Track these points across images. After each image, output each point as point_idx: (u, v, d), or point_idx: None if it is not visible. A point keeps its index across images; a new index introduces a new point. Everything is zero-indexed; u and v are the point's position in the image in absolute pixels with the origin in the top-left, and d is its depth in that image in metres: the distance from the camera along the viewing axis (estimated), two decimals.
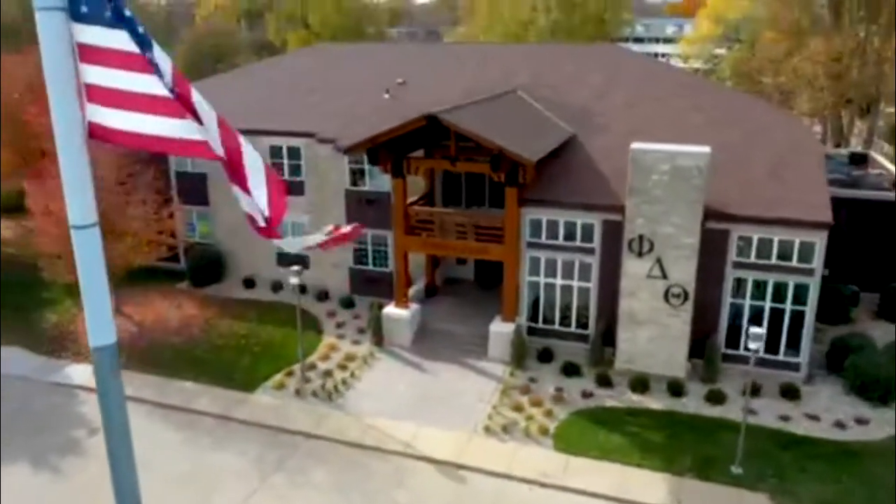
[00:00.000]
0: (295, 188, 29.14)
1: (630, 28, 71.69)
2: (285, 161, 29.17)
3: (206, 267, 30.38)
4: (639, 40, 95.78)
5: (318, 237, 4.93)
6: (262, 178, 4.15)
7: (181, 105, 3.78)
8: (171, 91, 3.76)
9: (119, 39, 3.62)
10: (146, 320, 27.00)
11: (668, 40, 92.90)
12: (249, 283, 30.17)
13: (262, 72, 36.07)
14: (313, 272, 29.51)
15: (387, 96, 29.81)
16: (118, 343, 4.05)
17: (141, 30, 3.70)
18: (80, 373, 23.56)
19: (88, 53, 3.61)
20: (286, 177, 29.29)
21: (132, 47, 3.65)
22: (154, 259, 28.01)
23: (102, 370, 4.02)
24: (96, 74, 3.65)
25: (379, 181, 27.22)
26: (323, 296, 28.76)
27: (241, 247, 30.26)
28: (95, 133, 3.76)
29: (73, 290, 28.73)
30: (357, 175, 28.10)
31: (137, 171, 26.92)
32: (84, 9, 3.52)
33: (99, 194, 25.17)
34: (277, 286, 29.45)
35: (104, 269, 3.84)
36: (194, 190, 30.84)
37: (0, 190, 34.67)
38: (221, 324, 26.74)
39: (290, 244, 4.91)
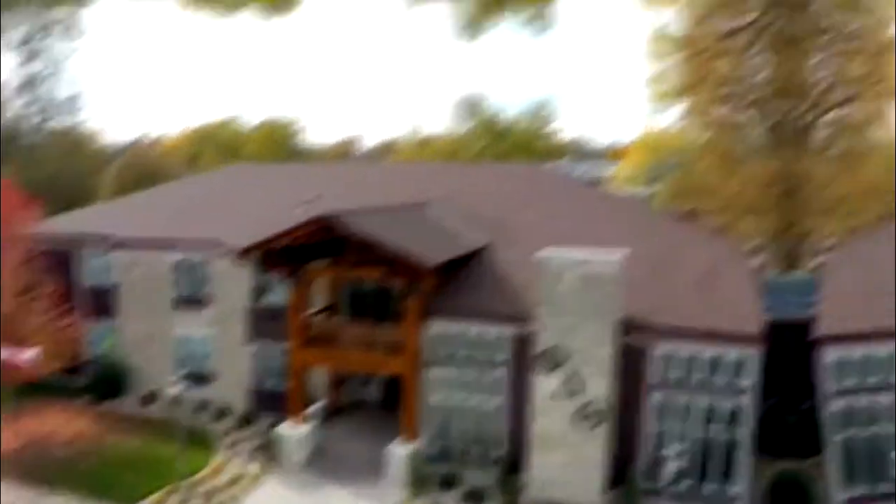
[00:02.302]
0: (200, 302, 27.85)
1: (568, 167, 72.43)
2: (188, 276, 27.88)
3: (106, 381, 28.61)
4: None
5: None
6: None
7: None
8: None
9: None
10: (35, 434, 24.52)
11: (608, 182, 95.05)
12: (150, 398, 28.04)
13: (176, 189, 34.92)
14: (215, 389, 27.56)
15: (299, 211, 28.46)
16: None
17: None
18: None
19: None
20: (189, 292, 27.84)
21: None
22: (55, 372, 25.64)
23: None
24: None
25: (283, 295, 25.43)
26: (223, 413, 26.64)
27: (144, 361, 28.74)
28: None
29: None
30: (260, 288, 26.59)
31: (39, 280, 25.41)
32: None
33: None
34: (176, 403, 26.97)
35: None
36: (102, 302, 29.41)
37: None
38: (112, 440, 24.47)
39: None
